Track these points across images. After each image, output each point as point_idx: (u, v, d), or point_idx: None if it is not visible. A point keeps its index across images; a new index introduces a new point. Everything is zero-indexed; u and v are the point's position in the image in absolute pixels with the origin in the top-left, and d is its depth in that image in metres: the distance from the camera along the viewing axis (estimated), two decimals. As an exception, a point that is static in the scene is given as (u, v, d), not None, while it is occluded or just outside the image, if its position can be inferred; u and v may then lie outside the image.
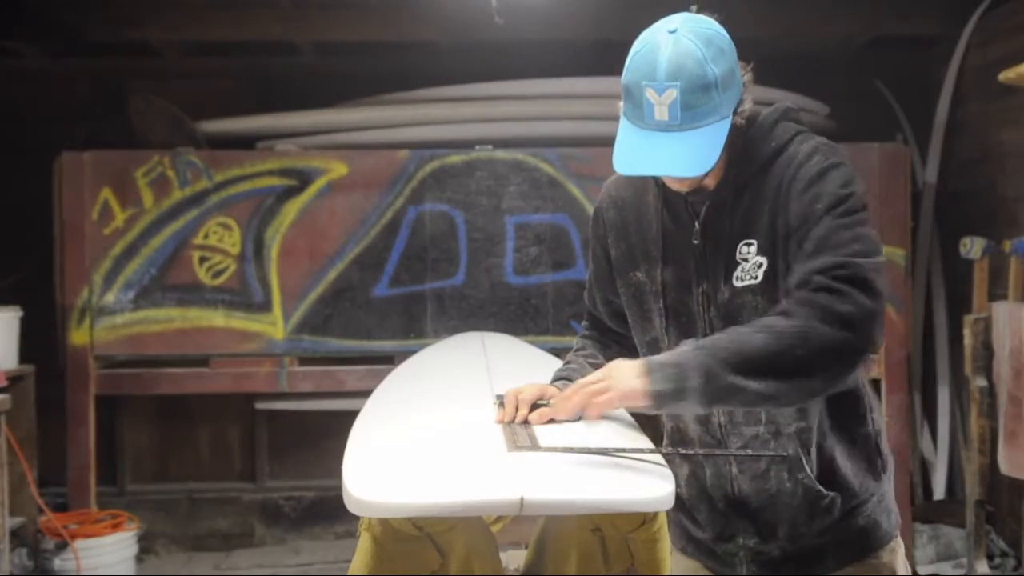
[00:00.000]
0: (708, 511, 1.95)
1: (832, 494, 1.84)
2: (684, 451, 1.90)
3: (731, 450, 1.85)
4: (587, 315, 2.14)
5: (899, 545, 1.95)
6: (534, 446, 1.70)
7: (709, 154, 1.69)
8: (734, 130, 1.77)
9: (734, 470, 1.89)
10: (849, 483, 1.85)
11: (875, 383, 4.88)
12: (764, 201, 1.79)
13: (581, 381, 1.77)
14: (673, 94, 1.67)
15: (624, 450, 1.71)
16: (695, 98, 1.67)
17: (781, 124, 1.84)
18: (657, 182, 1.90)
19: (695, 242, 1.84)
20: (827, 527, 1.85)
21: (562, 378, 1.94)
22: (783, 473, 1.84)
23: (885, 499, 1.93)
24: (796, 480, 1.84)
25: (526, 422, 1.82)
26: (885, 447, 1.94)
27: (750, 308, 1.79)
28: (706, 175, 1.78)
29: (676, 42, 1.68)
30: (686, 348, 1.68)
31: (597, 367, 1.93)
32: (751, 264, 1.79)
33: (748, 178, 1.80)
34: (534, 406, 1.86)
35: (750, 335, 1.65)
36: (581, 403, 1.72)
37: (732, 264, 1.80)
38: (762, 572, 1.90)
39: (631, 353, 2.01)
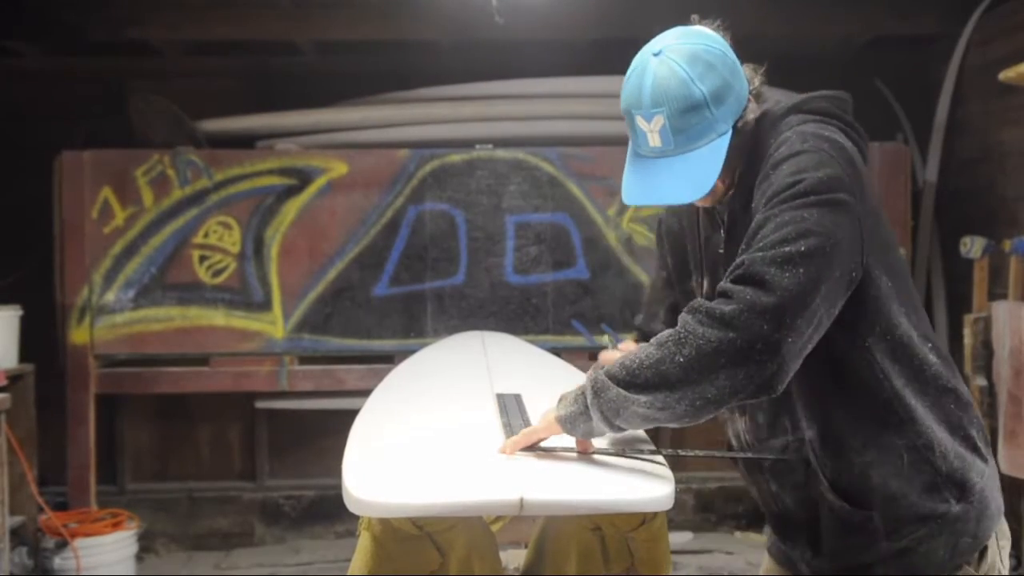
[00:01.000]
0: (768, 522, 1.95)
1: (864, 512, 1.71)
2: (683, 452, 1.88)
3: (733, 452, 1.81)
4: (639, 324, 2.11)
5: None
6: (535, 447, 1.70)
7: (706, 177, 1.65)
8: (745, 130, 1.72)
9: (773, 487, 1.83)
10: (893, 502, 1.70)
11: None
12: None
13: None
14: (661, 120, 1.63)
15: (625, 452, 1.71)
16: (684, 121, 1.63)
17: (786, 119, 1.74)
18: None
19: (721, 251, 1.80)
20: (868, 547, 1.73)
21: None
22: (818, 485, 1.75)
23: (949, 526, 1.71)
24: (822, 495, 1.75)
25: (526, 421, 1.82)
26: (956, 465, 1.72)
27: None
28: (729, 191, 1.74)
29: (660, 64, 1.64)
30: (592, 371, 1.66)
31: None
32: None
33: (757, 180, 1.71)
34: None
35: (640, 348, 1.60)
36: (516, 443, 1.69)
37: None
38: None
39: None
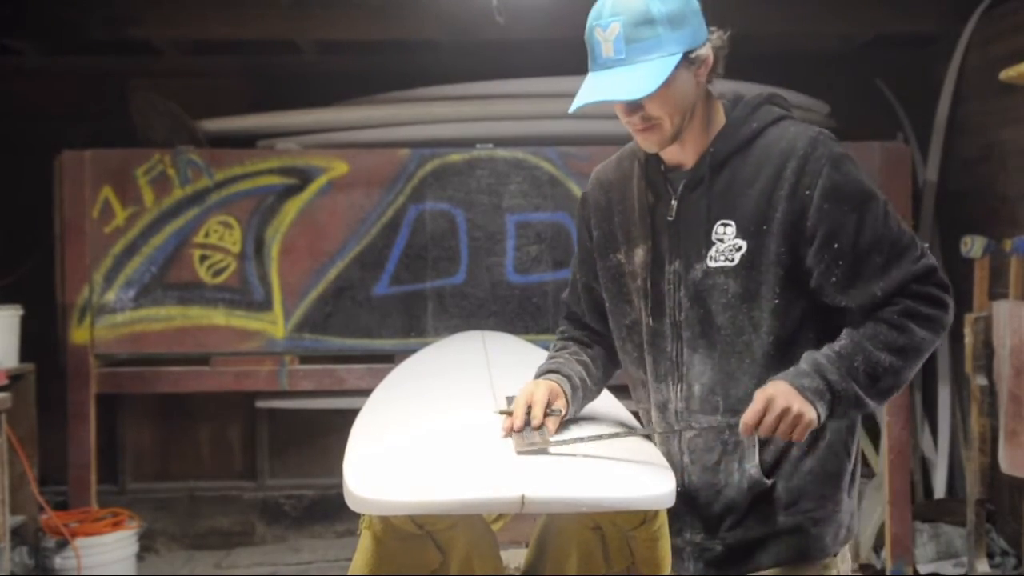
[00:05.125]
0: None
1: (772, 480, 1.83)
2: (662, 430, 1.90)
3: (709, 423, 1.84)
4: (566, 313, 2.14)
5: (835, 565, 1.90)
6: (543, 442, 1.71)
7: (650, 82, 1.72)
8: (717, 108, 1.83)
9: (686, 459, 1.88)
10: (801, 478, 1.84)
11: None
12: (748, 184, 1.79)
13: (772, 407, 1.72)
14: (616, 28, 1.73)
15: (605, 435, 1.76)
16: (638, 31, 1.72)
17: (764, 107, 1.86)
18: (640, 161, 1.92)
19: (669, 219, 1.85)
20: (767, 518, 1.84)
21: (550, 371, 1.94)
22: (732, 464, 1.84)
23: (840, 512, 1.88)
24: (743, 471, 1.83)
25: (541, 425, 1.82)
26: (854, 459, 1.91)
27: (720, 290, 1.80)
28: (674, 139, 1.81)
29: None
30: (828, 365, 1.72)
31: (583, 364, 1.96)
32: (727, 246, 1.79)
33: (727, 157, 1.82)
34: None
35: (879, 355, 1.73)
36: (786, 431, 1.72)
37: (707, 244, 1.80)
38: (706, 572, 1.89)
39: (611, 353, 2.03)
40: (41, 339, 4.47)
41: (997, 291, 4.22)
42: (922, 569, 4.44)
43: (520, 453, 1.69)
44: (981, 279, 4.17)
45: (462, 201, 4.60)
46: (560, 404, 1.85)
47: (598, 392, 2.04)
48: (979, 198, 4.83)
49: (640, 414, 2.04)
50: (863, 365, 1.71)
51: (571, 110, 1.79)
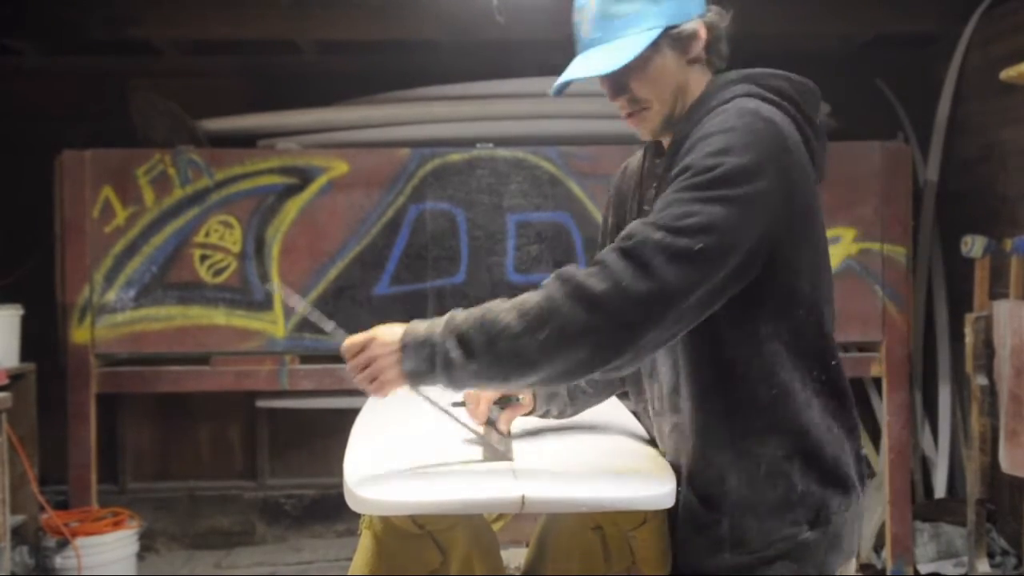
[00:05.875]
0: None
1: (713, 515, 1.64)
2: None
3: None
4: None
5: None
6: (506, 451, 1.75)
7: (621, 56, 1.64)
8: (693, 91, 1.71)
9: (669, 458, 1.78)
10: (742, 512, 1.62)
11: (876, 381, 4.89)
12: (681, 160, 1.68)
13: (347, 345, 1.69)
14: (592, 6, 1.68)
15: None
16: (614, 8, 1.66)
17: (735, 86, 1.68)
18: (646, 149, 1.87)
19: (645, 208, 1.78)
20: (712, 554, 1.65)
21: None
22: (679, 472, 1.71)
23: (797, 551, 1.61)
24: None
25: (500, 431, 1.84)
26: (814, 488, 1.62)
27: None
28: (672, 126, 1.71)
29: None
30: (441, 322, 1.57)
31: None
32: None
33: (688, 133, 1.66)
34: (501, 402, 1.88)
35: (502, 313, 1.53)
36: (363, 380, 1.65)
37: None
38: None
39: None
40: (41, 339, 4.47)
41: (997, 291, 4.22)
42: (922, 569, 4.44)
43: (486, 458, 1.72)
44: (981, 279, 4.17)
45: (462, 201, 4.59)
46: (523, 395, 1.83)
47: (595, 397, 2.01)
48: (979, 198, 4.83)
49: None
50: (485, 322, 1.53)
51: (552, 93, 1.74)
